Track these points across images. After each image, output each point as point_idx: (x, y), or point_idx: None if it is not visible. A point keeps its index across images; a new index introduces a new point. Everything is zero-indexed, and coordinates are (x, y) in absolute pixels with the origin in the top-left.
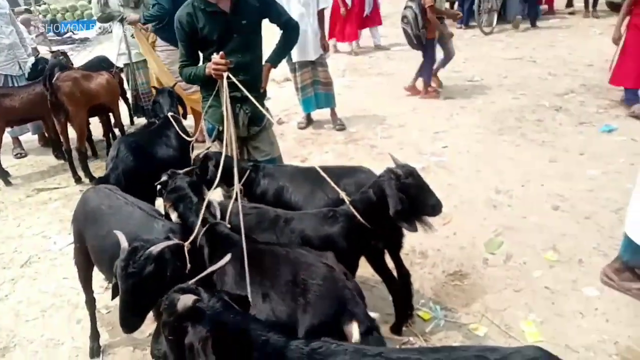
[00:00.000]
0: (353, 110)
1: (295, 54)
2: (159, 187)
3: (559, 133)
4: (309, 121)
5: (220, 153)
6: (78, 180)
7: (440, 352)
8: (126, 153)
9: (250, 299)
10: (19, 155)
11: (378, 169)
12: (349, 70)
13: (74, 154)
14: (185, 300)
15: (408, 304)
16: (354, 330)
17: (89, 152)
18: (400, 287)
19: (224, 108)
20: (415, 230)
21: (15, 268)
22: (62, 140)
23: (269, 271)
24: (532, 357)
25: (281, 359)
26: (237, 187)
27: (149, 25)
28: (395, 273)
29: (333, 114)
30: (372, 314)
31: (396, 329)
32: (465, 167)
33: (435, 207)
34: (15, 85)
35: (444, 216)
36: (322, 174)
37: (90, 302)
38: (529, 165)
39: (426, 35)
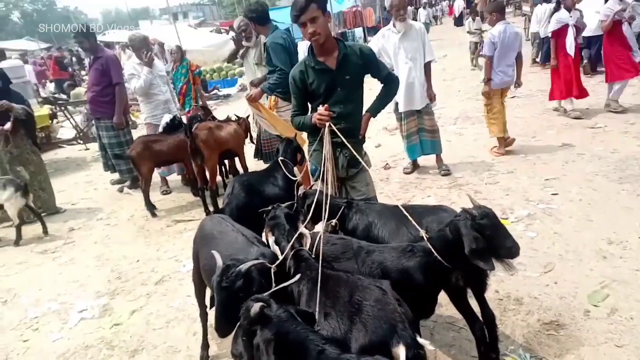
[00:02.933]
0: (461, 157)
1: (402, 104)
2: (264, 215)
3: None
4: (415, 167)
5: (319, 191)
6: (208, 213)
7: None
8: (239, 190)
9: (316, 316)
10: (165, 192)
11: None
12: (461, 118)
13: (207, 192)
14: (256, 307)
15: (494, 348)
16: (401, 353)
17: (220, 190)
18: (484, 328)
19: (325, 151)
20: (492, 268)
21: (151, 285)
22: (198, 179)
23: (332, 293)
24: None
25: None
26: (324, 222)
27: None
28: (480, 315)
29: (439, 159)
30: (422, 341)
31: None
32: (576, 215)
33: (511, 250)
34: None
35: (546, 264)
36: (404, 211)
37: (203, 315)
38: None
39: None
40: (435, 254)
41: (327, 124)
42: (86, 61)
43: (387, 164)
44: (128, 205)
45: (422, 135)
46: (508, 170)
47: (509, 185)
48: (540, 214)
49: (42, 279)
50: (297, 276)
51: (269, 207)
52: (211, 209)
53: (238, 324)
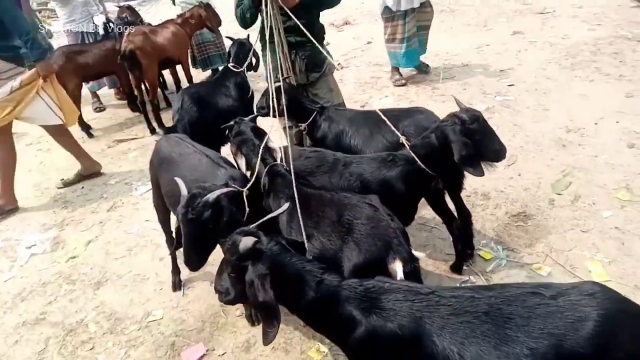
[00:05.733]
0: None
1: (403, 2)
2: (226, 132)
3: (639, 66)
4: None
5: (293, 87)
6: (152, 131)
7: (494, 290)
8: (190, 104)
9: (305, 243)
10: (98, 109)
11: (440, 112)
12: None
13: (148, 106)
14: (246, 242)
15: (469, 244)
16: (398, 269)
17: (163, 104)
18: (460, 226)
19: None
20: (482, 174)
21: (102, 212)
22: (136, 93)
23: (315, 213)
24: (590, 293)
25: (335, 298)
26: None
27: None
28: (455, 214)
29: None
30: (417, 254)
31: (456, 268)
32: (533, 105)
33: (498, 153)
34: (90, 42)
35: (508, 158)
36: (382, 116)
37: (170, 242)
38: (604, 102)
39: None
40: (419, 162)
41: None
42: None
43: (339, 63)
44: None
45: (419, 35)
46: (463, 63)
47: (465, 80)
48: (499, 107)
49: None
50: (286, 205)
51: (231, 122)
52: (155, 125)
53: (224, 259)
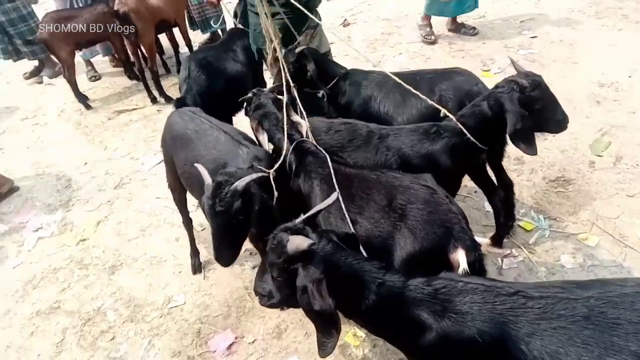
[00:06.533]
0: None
1: None
2: (246, 105)
3: None
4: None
5: (315, 50)
6: (154, 99)
7: (592, 288)
8: (198, 72)
9: (354, 232)
10: (93, 78)
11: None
12: None
13: (147, 73)
14: (298, 243)
15: (510, 215)
16: (461, 259)
17: (161, 70)
18: (503, 198)
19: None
20: (535, 152)
21: (110, 190)
22: (134, 60)
23: (358, 196)
24: None
25: (401, 301)
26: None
27: None
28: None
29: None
30: (480, 240)
31: (497, 241)
32: (560, 58)
33: (560, 124)
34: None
35: None
36: (409, 88)
37: (187, 223)
38: (635, 52)
39: None
40: (468, 134)
41: None
42: None
43: (345, 20)
44: (54, 99)
45: None
46: (479, 14)
47: (484, 32)
48: (523, 62)
49: None
50: (335, 194)
51: (249, 94)
52: (155, 93)
53: (266, 259)
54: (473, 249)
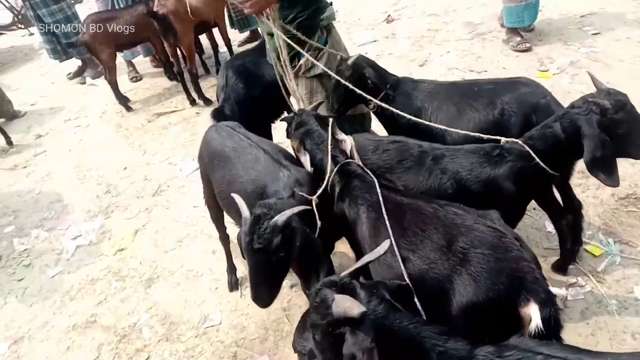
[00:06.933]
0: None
1: None
2: (288, 125)
3: None
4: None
5: (366, 58)
6: (192, 102)
7: None
8: (235, 79)
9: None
10: (134, 79)
11: (516, 70)
12: None
13: (186, 75)
14: (346, 307)
15: (577, 239)
16: (534, 314)
17: (201, 70)
18: (571, 222)
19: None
20: (617, 184)
21: (148, 197)
22: (173, 62)
23: (411, 231)
24: None
25: None
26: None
27: None
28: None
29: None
30: (556, 291)
31: (561, 267)
32: (627, 58)
33: None
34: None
35: None
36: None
37: (225, 239)
38: None
39: None
40: (538, 159)
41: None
42: None
43: (389, 15)
44: (96, 100)
45: None
46: None
47: (540, 28)
48: (585, 61)
49: (19, 201)
50: (387, 242)
51: (291, 114)
52: (194, 96)
53: (310, 321)
54: (548, 302)
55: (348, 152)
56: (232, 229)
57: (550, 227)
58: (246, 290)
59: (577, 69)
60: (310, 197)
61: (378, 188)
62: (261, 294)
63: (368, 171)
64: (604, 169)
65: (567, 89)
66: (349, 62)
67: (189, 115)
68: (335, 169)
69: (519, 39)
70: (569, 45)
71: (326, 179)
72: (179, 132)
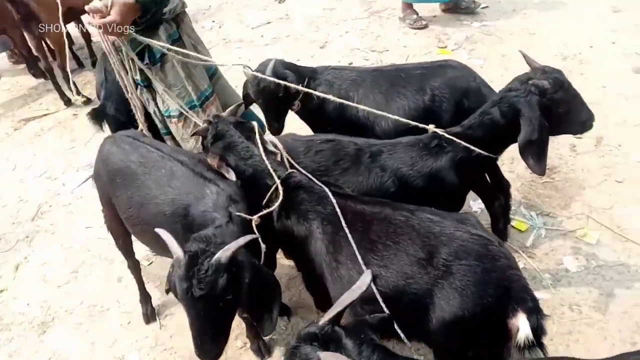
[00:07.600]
0: None
1: None
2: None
3: None
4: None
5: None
6: (68, 102)
7: None
8: None
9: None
10: None
11: (417, 47)
12: None
13: (56, 70)
14: None
15: (506, 217)
16: (522, 325)
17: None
18: (503, 202)
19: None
20: (543, 173)
21: (26, 222)
22: (39, 56)
23: (381, 243)
24: None
25: None
26: None
27: None
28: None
29: None
30: (540, 295)
31: None
32: (517, 30)
33: (585, 124)
34: None
35: None
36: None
37: (134, 266)
38: (592, 18)
39: None
40: (477, 150)
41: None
42: None
43: None
44: None
45: None
46: None
47: (432, 6)
48: (479, 35)
49: None
50: (368, 274)
51: (203, 124)
52: (70, 95)
53: None
54: (535, 310)
55: (278, 157)
56: (140, 247)
57: (475, 206)
58: (166, 320)
59: (473, 43)
60: (250, 217)
61: (332, 198)
62: (207, 347)
63: (315, 180)
64: (535, 155)
65: (467, 64)
66: (269, 66)
67: (65, 117)
68: (278, 183)
69: (414, 16)
70: (462, 21)
71: (279, 200)
72: (55, 139)
